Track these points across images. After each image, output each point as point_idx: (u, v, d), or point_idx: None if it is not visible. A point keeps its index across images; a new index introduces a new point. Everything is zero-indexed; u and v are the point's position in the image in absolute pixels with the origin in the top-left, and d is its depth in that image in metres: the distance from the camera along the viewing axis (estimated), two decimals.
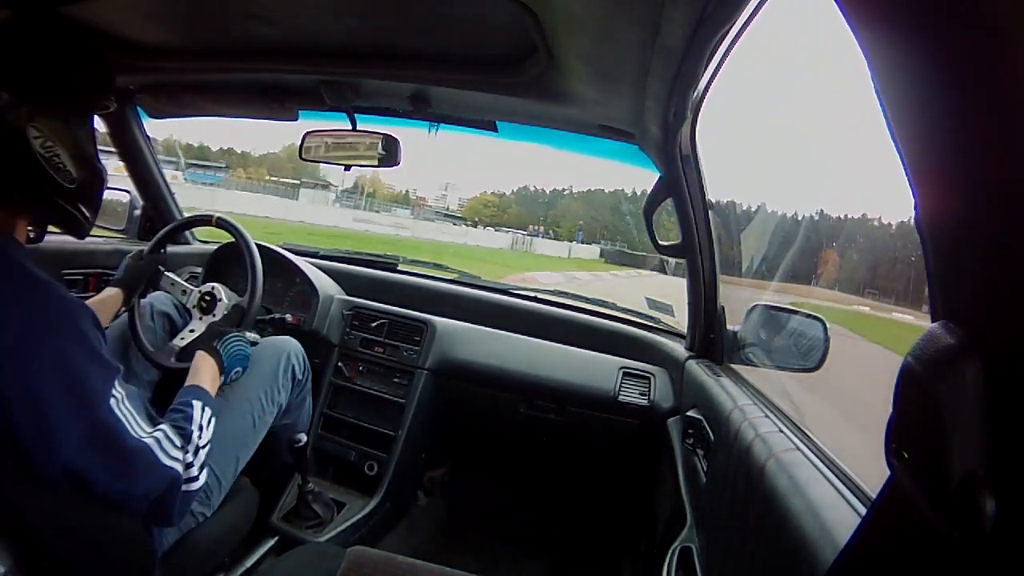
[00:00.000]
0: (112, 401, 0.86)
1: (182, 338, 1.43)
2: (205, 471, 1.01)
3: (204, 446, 1.02)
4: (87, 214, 0.96)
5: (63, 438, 0.80)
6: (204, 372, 1.17)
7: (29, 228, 0.93)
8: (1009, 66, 0.29)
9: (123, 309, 1.39)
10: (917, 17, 0.33)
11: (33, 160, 0.83)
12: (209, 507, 1.16)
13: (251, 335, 1.38)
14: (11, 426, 0.77)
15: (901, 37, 0.35)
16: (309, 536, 1.53)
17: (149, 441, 0.90)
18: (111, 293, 1.36)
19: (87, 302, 1.29)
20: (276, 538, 1.51)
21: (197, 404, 1.06)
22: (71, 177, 0.88)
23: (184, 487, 0.95)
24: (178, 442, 0.96)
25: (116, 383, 0.88)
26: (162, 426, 0.95)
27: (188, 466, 0.97)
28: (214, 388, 1.16)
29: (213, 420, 1.07)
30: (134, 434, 0.88)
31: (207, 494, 1.15)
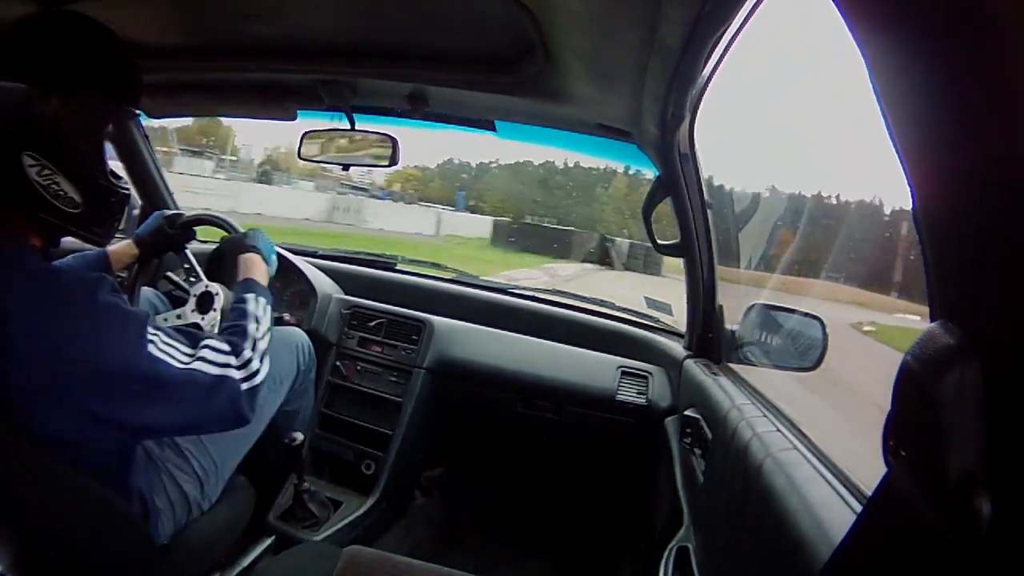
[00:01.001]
0: (151, 347, 0.88)
1: (164, 319, 1.41)
2: (265, 361, 1.03)
3: (262, 336, 1.05)
4: (98, 232, 0.96)
5: (114, 413, 0.85)
6: (253, 267, 1.21)
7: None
8: (1008, 64, 0.29)
9: (134, 265, 1.39)
10: (914, 15, 0.32)
11: (30, 188, 0.82)
12: (206, 498, 1.15)
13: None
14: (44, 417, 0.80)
15: (898, 35, 0.34)
16: (305, 535, 1.53)
17: (195, 365, 0.91)
18: (128, 247, 1.37)
19: (111, 248, 1.33)
20: (272, 537, 1.51)
21: (251, 296, 1.10)
22: (74, 203, 0.87)
23: (247, 384, 0.97)
24: (225, 347, 0.97)
25: (149, 328, 0.89)
26: (205, 342, 0.96)
27: (246, 362, 0.98)
28: (265, 280, 1.22)
29: (268, 308, 1.11)
30: (179, 367, 0.90)
31: (204, 482, 1.14)
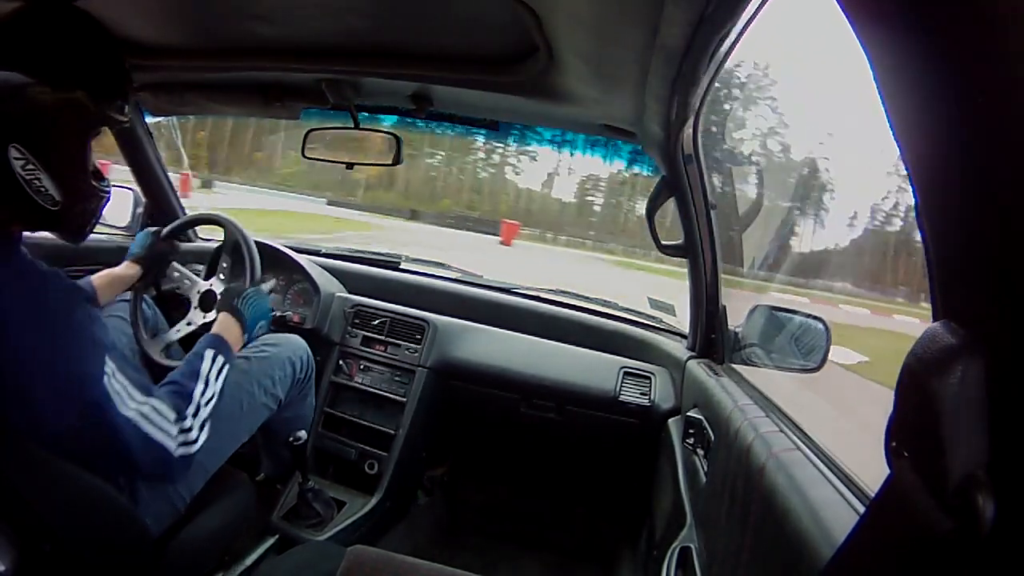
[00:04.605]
0: (104, 379, 0.87)
1: (178, 331, 1.43)
2: (206, 430, 1.01)
3: (208, 401, 1.03)
4: (72, 232, 0.96)
5: (56, 424, 0.83)
6: (227, 327, 1.19)
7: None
8: (1011, 66, 0.29)
9: (137, 284, 1.41)
10: (919, 16, 0.33)
11: (13, 180, 0.82)
12: (189, 490, 1.15)
13: (266, 285, 1.39)
14: (5, 409, 0.80)
15: (903, 36, 0.34)
16: (309, 535, 1.53)
17: (134, 416, 0.90)
18: (130, 268, 1.39)
19: (103, 275, 1.34)
20: (276, 536, 1.51)
21: (209, 353, 1.07)
22: (53, 200, 0.87)
23: (181, 451, 0.96)
24: (171, 415, 0.95)
25: (107, 358, 0.89)
26: (152, 399, 0.94)
27: (186, 431, 0.97)
28: (237, 345, 1.19)
29: (225, 369, 1.08)
30: (123, 412, 0.89)
31: (186, 474, 1.12)
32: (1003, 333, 0.33)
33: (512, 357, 1.78)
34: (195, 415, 0.99)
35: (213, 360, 1.07)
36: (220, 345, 1.12)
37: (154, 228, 1.48)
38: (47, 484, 0.82)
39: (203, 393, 1.02)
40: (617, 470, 1.90)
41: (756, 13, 0.78)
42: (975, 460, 0.33)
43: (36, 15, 0.85)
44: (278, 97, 1.44)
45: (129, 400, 0.90)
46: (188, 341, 1.56)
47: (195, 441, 0.99)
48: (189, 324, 1.45)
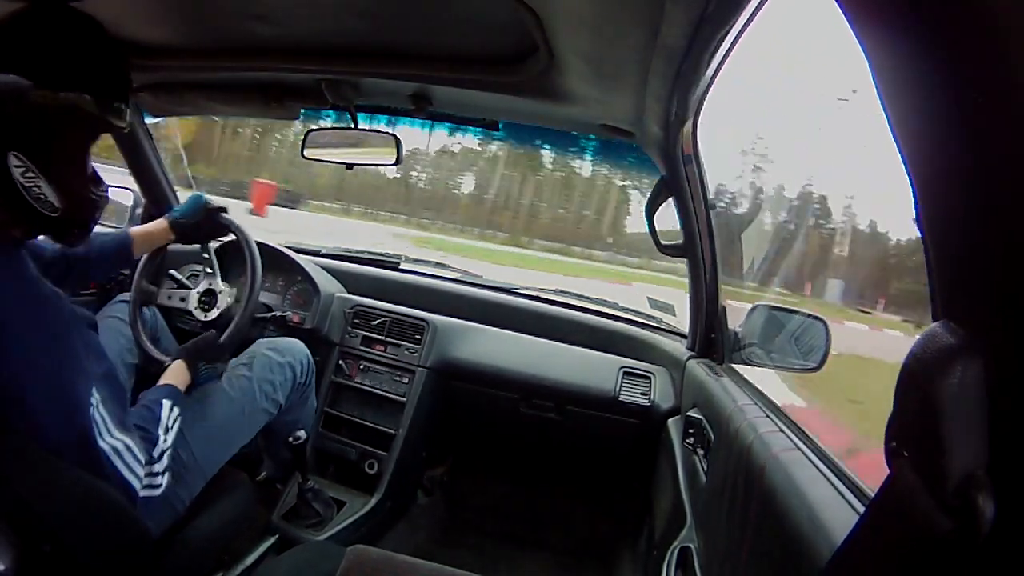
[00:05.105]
0: (91, 409, 0.88)
1: (168, 296, 1.49)
2: (167, 476, 1.02)
3: (170, 446, 1.03)
4: (71, 238, 0.96)
5: (54, 432, 0.84)
6: (177, 380, 1.19)
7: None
8: (1011, 66, 0.29)
9: (170, 240, 1.42)
10: (918, 17, 0.33)
11: (12, 187, 0.82)
12: (188, 492, 1.15)
13: (222, 367, 1.39)
14: (5, 409, 0.80)
15: (902, 37, 0.34)
16: (309, 535, 1.53)
17: (108, 449, 0.91)
18: (163, 232, 1.39)
19: (143, 230, 1.36)
20: (276, 536, 1.51)
21: (167, 403, 1.07)
22: (53, 207, 0.86)
23: (146, 492, 0.97)
24: (142, 457, 0.96)
25: (93, 389, 0.89)
26: (127, 438, 0.94)
27: (152, 475, 0.98)
28: (185, 387, 1.19)
29: (179, 420, 1.09)
30: (99, 442, 0.89)
31: (185, 478, 1.13)
32: (1003, 333, 0.33)
33: (512, 357, 1.78)
34: (159, 461, 1.01)
35: (171, 411, 1.08)
36: (177, 397, 1.12)
37: (213, 206, 1.44)
38: (47, 484, 0.82)
39: (166, 440, 1.04)
40: (617, 470, 1.90)
41: (756, 12, 0.78)
42: (975, 460, 0.33)
43: (36, 17, 0.85)
44: (277, 97, 1.44)
45: (107, 433, 0.91)
46: (179, 334, 1.57)
47: (159, 486, 1.00)
48: (182, 300, 1.48)
